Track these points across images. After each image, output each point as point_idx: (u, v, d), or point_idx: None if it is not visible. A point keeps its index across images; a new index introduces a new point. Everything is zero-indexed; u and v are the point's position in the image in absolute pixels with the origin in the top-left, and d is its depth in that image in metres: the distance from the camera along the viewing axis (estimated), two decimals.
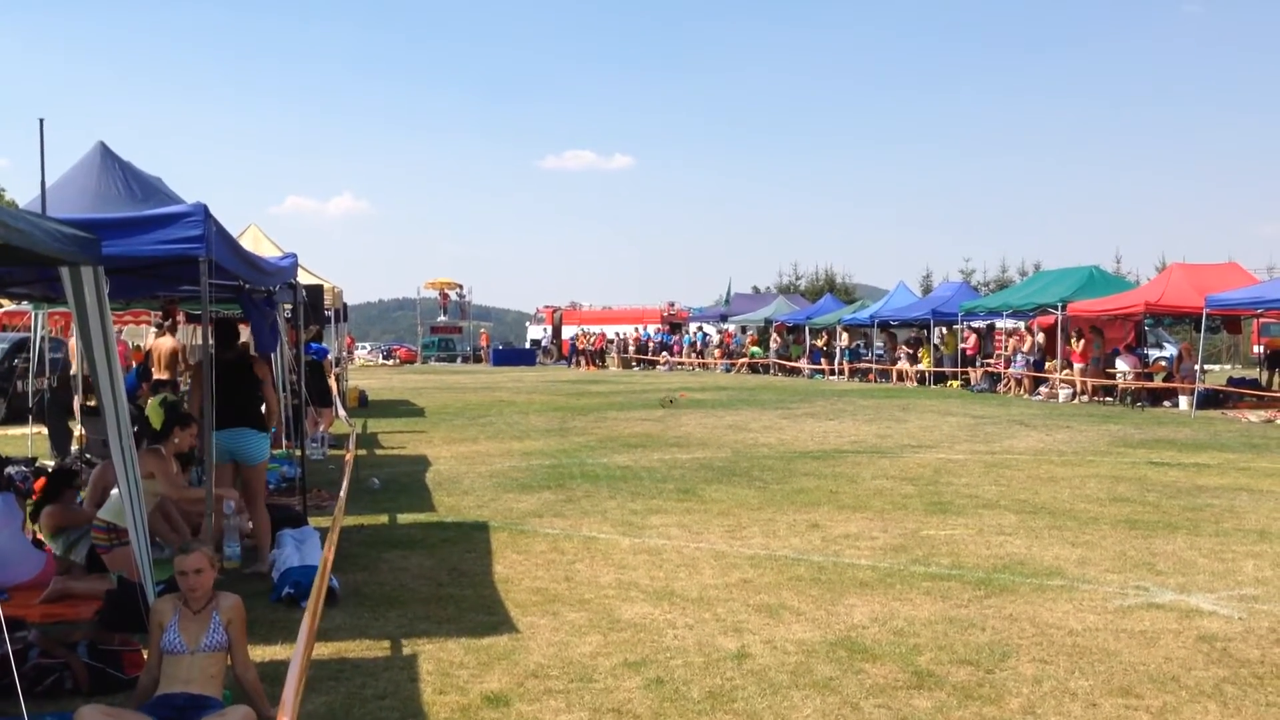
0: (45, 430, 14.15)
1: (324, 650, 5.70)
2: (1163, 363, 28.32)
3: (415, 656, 5.66)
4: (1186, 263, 24.86)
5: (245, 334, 12.29)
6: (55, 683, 5.10)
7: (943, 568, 7.62)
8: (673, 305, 56.17)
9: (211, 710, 4.39)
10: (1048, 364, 25.57)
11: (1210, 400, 21.38)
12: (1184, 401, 21.35)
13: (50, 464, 12.45)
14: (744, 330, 46.50)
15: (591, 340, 51.83)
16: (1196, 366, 22.18)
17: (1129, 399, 22.71)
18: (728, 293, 53.82)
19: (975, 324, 30.56)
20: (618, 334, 51.86)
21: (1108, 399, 23.34)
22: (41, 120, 7.15)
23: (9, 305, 19.71)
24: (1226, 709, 4.85)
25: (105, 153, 8.11)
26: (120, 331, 18.54)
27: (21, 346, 19.14)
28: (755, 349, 42.19)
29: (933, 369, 30.44)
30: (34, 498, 10.76)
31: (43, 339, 15.39)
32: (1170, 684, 5.16)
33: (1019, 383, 26.09)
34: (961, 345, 29.65)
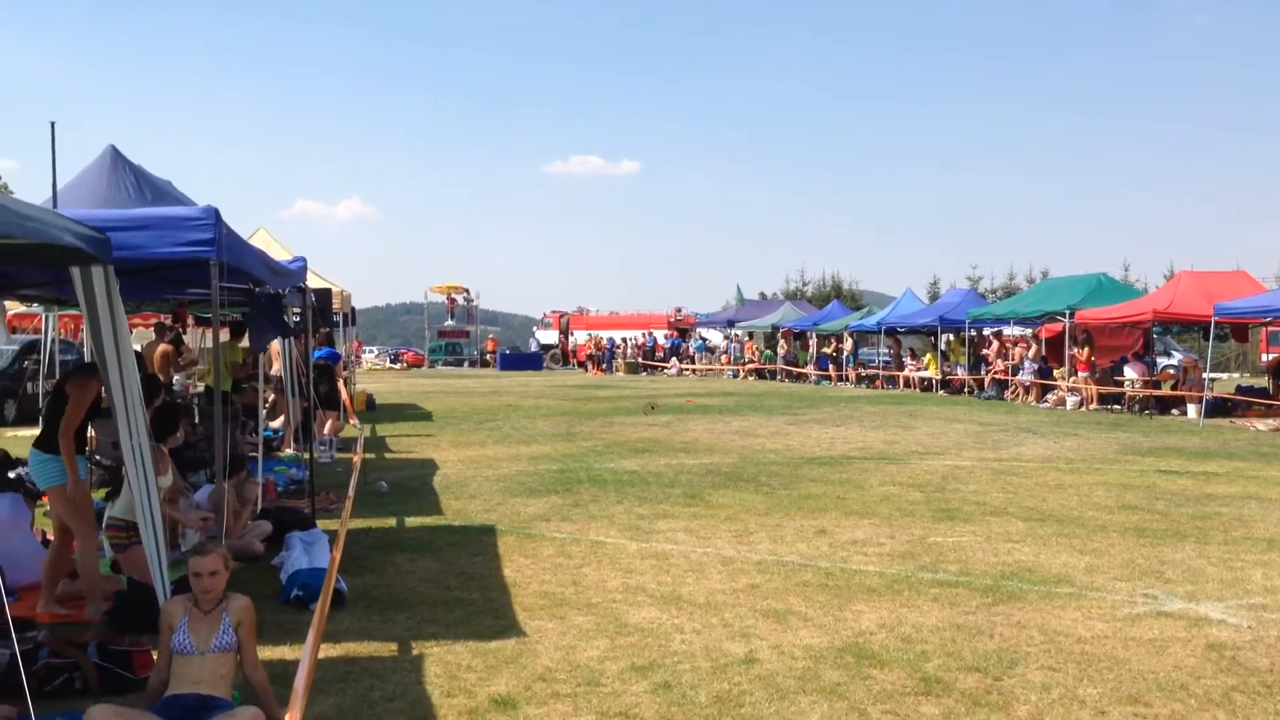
0: None
1: (332, 652, 5.72)
2: (1171, 370, 28.27)
3: (423, 659, 5.67)
4: (1195, 270, 24.78)
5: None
6: (65, 683, 5.12)
7: (950, 574, 7.61)
8: (680, 310, 56.21)
9: (221, 711, 4.41)
10: (1055, 372, 25.51)
11: (1218, 409, 21.32)
12: (1192, 410, 21.29)
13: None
14: (749, 336, 46.54)
15: (597, 345, 51.98)
16: (1205, 375, 22.13)
17: (1137, 407, 22.67)
18: (738, 297, 53.73)
19: (986, 331, 30.48)
20: (624, 339, 51.94)
21: (1115, 407, 23.30)
22: (53, 123, 7.21)
23: (19, 308, 19.83)
24: (1235, 717, 4.83)
25: (116, 156, 8.15)
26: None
27: (32, 348, 19.25)
28: (768, 352, 42.21)
29: (939, 375, 30.36)
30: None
31: (53, 341, 15.44)
32: (1179, 692, 5.15)
33: (1026, 390, 26.05)
34: (985, 351, 29.50)
